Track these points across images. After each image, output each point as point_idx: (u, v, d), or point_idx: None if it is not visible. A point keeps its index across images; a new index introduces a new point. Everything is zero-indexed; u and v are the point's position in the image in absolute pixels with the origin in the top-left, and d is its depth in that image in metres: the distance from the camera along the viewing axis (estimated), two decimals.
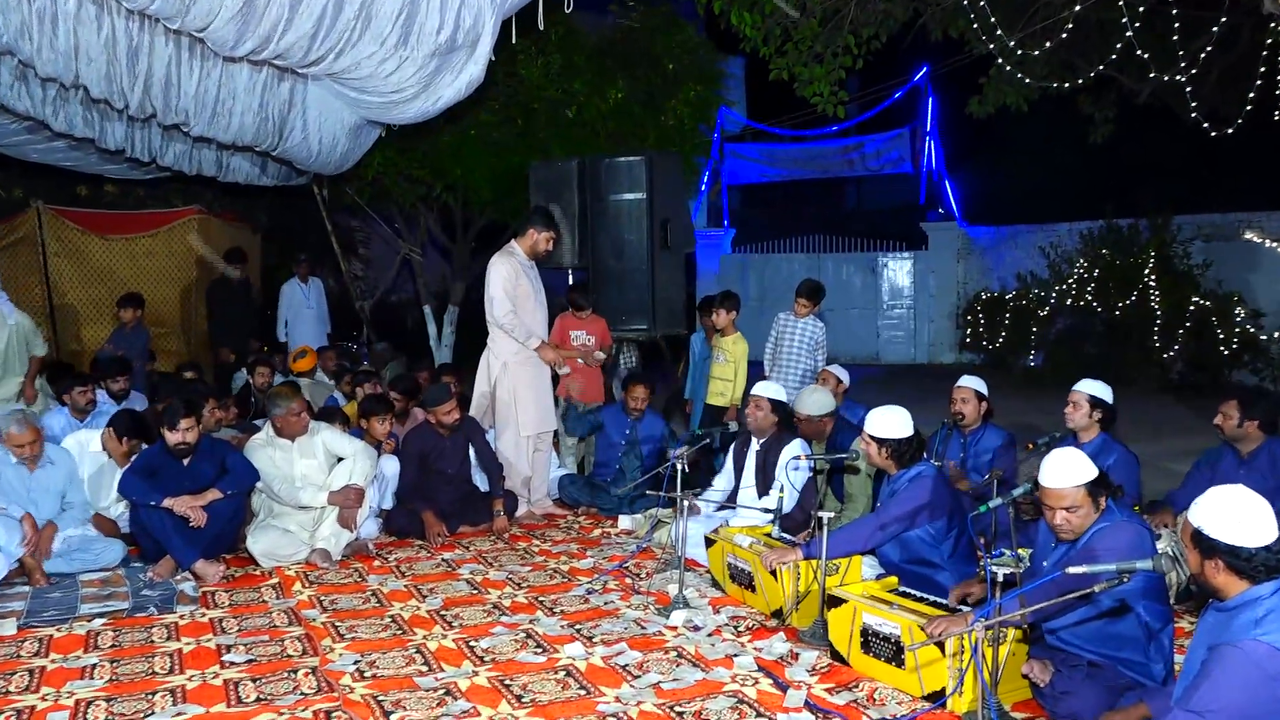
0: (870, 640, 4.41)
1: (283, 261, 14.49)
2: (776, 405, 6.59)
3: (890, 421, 5.09)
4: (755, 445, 6.65)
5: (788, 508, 6.10)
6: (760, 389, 6.65)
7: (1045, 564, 4.12)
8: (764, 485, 6.48)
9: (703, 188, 19.59)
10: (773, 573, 5.13)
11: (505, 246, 7.75)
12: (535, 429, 7.72)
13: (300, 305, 12.43)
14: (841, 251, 20.29)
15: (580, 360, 8.41)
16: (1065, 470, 3.94)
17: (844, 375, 7.81)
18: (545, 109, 11.55)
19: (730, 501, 6.60)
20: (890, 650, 4.30)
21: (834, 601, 4.62)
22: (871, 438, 5.10)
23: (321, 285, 12.78)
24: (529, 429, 7.68)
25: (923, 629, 4.11)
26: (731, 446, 6.88)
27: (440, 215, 13.70)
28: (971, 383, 6.56)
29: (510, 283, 7.50)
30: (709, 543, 5.87)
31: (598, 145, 11.45)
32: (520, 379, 7.63)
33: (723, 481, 6.86)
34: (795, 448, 6.41)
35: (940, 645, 4.04)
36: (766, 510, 5.86)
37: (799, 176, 22.13)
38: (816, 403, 6.62)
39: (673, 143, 12.01)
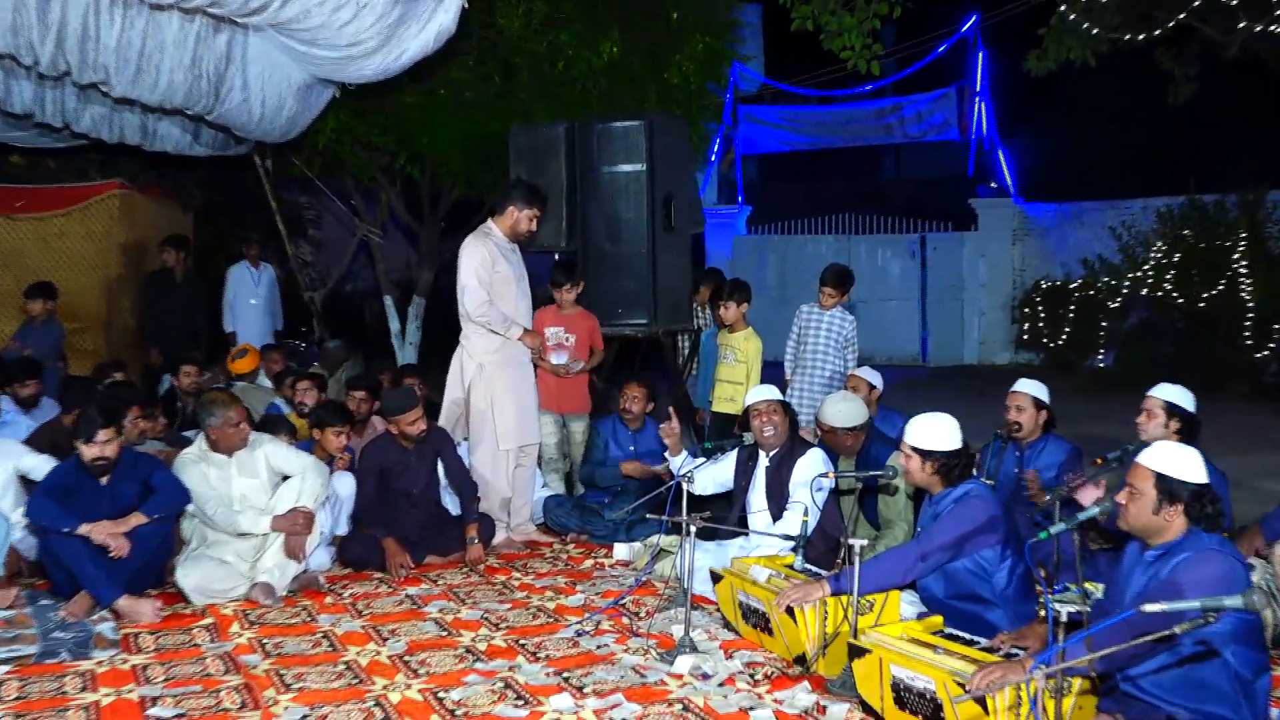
0: (904, 695, 4.39)
1: (219, 245, 14.48)
2: (786, 408, 6.60)
3: (936, 431, 5.08)
4: (765, 460, 6.65)
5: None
6: (761, 394, 6.62)
7: (1127, 598, 4.12)
8: (779, 506, 6.46)
9: (713, 158, 19.61)
10: (788, 612, 5.10)
11: (480, 227, 7.74)
12: (516, 441, 7.71)
13: (247, 294, 12.45)
14: (876, 232, 20.30)
15: (554, 369, 8.37)
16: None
17: (877, 379, 7.81)
18: (527, 65, 11.53)
19: (739, 526, 6.59)
20: (929, 708, 4.28)
21: (857, 651, 4.59)
22: (915, 450, 5.09)
23: (273, 274, 12.80)
24: (509, 441, 7.66)
25: (968, 683, 4.08)
26: (732, 459, 6.86)
27: (404, 190, 13.68)
28: (1029, 387, 6.55)
29: (485, 268, 7.48)
30: (715, 578, 5.85)
31: (589, 107, 11.43)
32: (499, 382, 7.61)
33: (708, 478, 6.85)
34: (815, 459, 6.40)
35: (981, 702, 4.02)
36: (787, 537, 5.85)
37: (826, 145, 22.14)
38: (845, 412, 6.61)
39: (677, 104, 11.99)
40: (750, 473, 6.71)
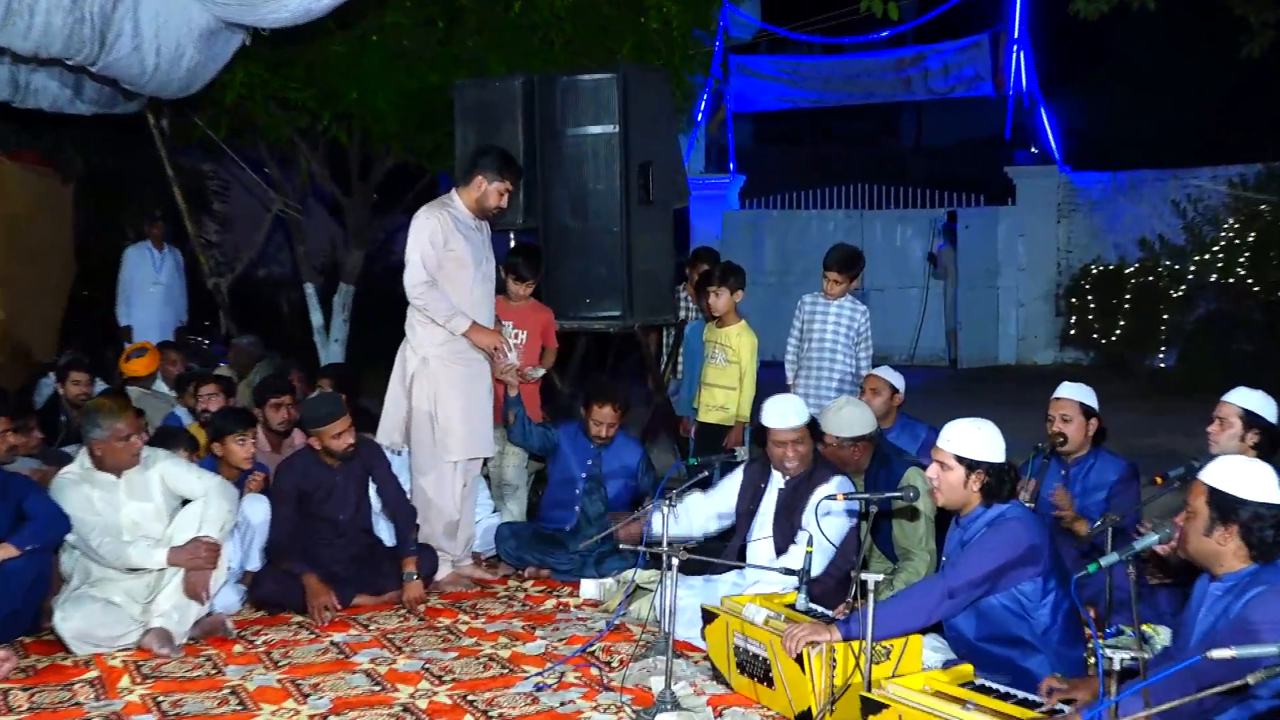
0: None
1: (105, 222, 14.44)
2: (813, 429, 6.60)
3: (981, 438, 5.11)
4: (778, 481, 6.66)
5: (819, 569, 6.11)
6: (788, 418, 6.54)
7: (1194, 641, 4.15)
8: (785, 538, 6.48)
9: (699, 118, 19.60)
10: (798, 659, 5.12)
11: (441, 196, 7.74)
12: (464, 452, 7.68)
13: (146, 280, 12.43)
14: (894, 207, 20.34)
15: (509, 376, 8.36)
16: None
17: (900, 382, 7.82)
18: (477, 6, 11.54)
19: (734, 558, 6.60)
20: None
21: (872, 707, 4.60)
22: (958, 459, 5.11)
23: (179, 258, 12.78)
24: (455, 451, 7.62)
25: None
26: (740, 475, 6.87)
27: (328, 156, 13.67)
28: (1075, 393, 6.58)
29: (435, 244, 7.42)
30: (707, 617, 5.86)
31: (550, 58, 11.44)
32: (445, 380, 7.57)
33: (707, 509, 6.85)
34: (833, 487, 6.39)
35: None
36: (788, 571, 5.86)
37: (833, 102, 22.15)
38: (849, 420, 6.62)
39: (657, 54, 12.01)
40: (758, 495, 6.72)
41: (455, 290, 7.51)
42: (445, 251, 7.46)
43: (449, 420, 7.58)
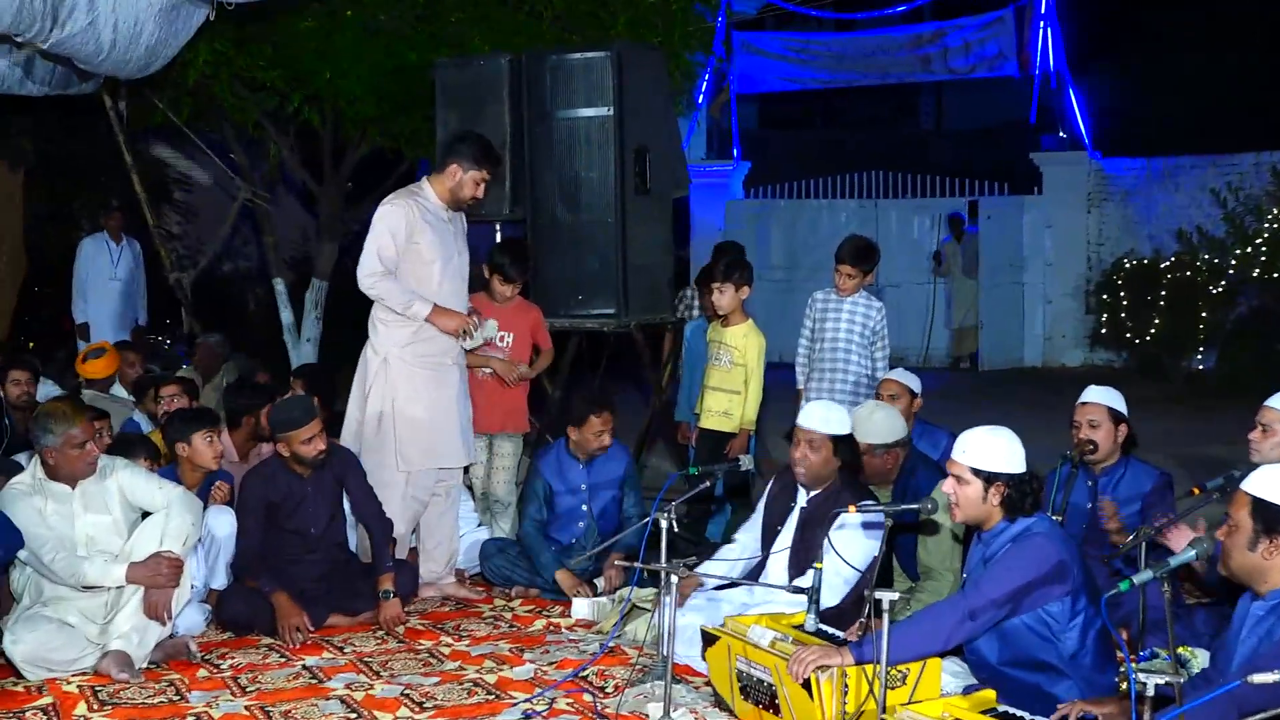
0: None
1: (59, 212, 14.44)
2: (839, 444, 6.59)
3: (999, 447, 5.11)
4: (802, 499, 6.68)
5: (833, 596, 6.11)
6: (814, 420, 6.58)
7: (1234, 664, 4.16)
8: (804, 560, 6.46)
9: (700, 100, 19.61)
10: (805, 685, 5.14)
11: (411, 185, 7.76)
12: (423, 462, 7.71)
13: (103, 275, 12.44)
14: (911, 196, 20.37)
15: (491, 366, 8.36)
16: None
17: (917, 385, 7.83)
18: None
19: (750, 577, 6.61)
20: None
21: None
22: (976, 472, 5.12)
23: (138, 251, 12.78)
24: (412, 460, 7.66)
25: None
26: (765, 494, 6.87)
27: (299, 142, 13.68)
28: (1104, 397, 6.59)
29: (397, 238, 7.43)
30: (708, 640, 5.87)
31: (539, 34, 11.45)
32: (406, 385, 7.58)
33: (738, 549, 6.87)
34: (854, 509, 6.40)
35: None
36: (797, 589, 5.87)
37: (845, 82, 22.17)
38: (880, 425, 6.64)
39: (654, 31, 12.02)
40: (785, 512, 6.73)
41: (420, 287, 7.52)
42: (409, 245, 7.48)
43: (406, 427, 7.61)
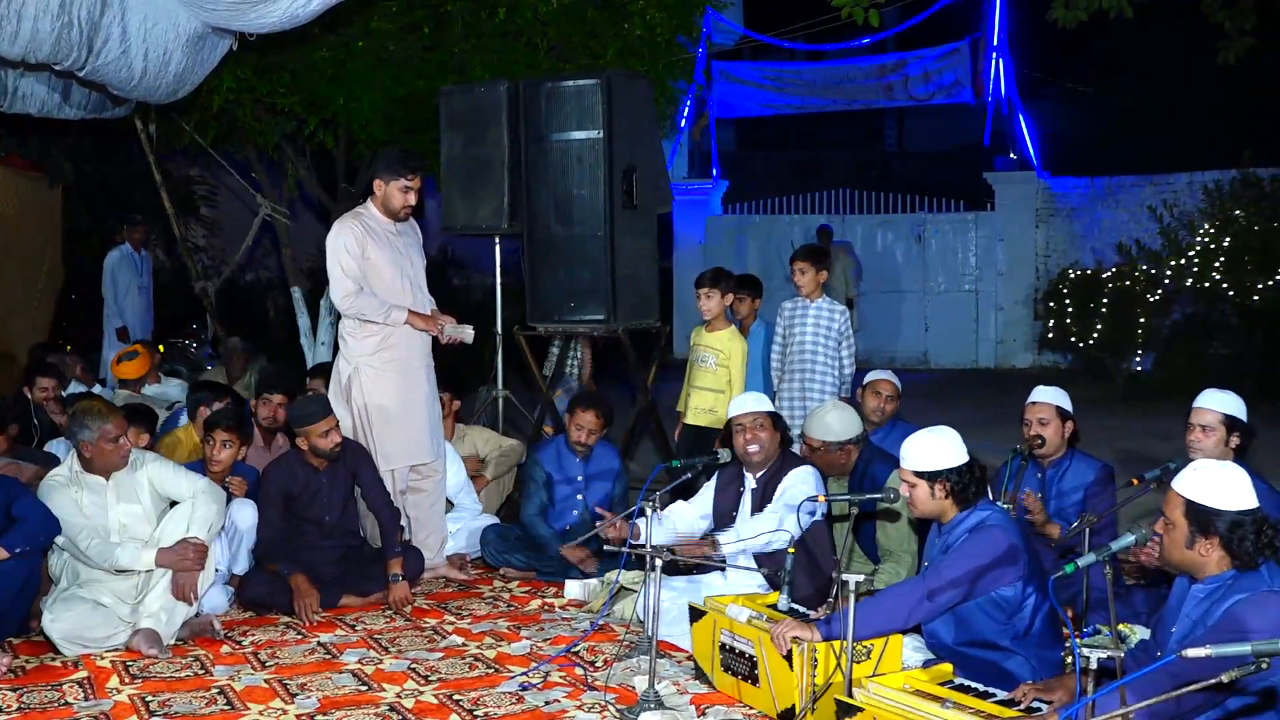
0: None
1: (94, 226, 14.39)
2: (776, 421, 6.64)
3: (936, 447, 5.12)
4: (751, 482, 6.68)
5: (773, 530, 6.14)
6: (746, 405, 6.65)
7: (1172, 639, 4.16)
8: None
9: (682, 123, 19.62)
10: (787, 656, 5.13)
11: (357, 207, 7.79)
12: (406, 459, 7.75)
13: (131, 282, 12.39)
14: (876, 212, 20.37)
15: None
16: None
17: (898, 382, 7.87)
18: (462, 12, 11.53)
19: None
20: None
21: (847, 710, 4.61)
22: (919, 475, 5.13)
23: (150, 263, 12.74)
24: (397, 459, 7.69)
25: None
26: (713, 480, 6.88)
27: (315, 162, 13.64)
28: (1051, 396, 6.60)
29: (353, 254, 7.47)
30: (695, 615, 5.87)
31: (536, 63, 11.42)
32: (378, 390, 7.61)
33: (690, 514, 6.87)
34: (805, 476, 6.43)
35: None
36: (769, 574, 5.86)
37: (816, 108, 22.17)
38: (836, 423, 6.64)
39: (641, 60, 12.00)
40: (735, 498, 6.73)
41: (386, 296, 7.56)
42: (363, 260, 7.50)
43: (384, 430, 7.63)
